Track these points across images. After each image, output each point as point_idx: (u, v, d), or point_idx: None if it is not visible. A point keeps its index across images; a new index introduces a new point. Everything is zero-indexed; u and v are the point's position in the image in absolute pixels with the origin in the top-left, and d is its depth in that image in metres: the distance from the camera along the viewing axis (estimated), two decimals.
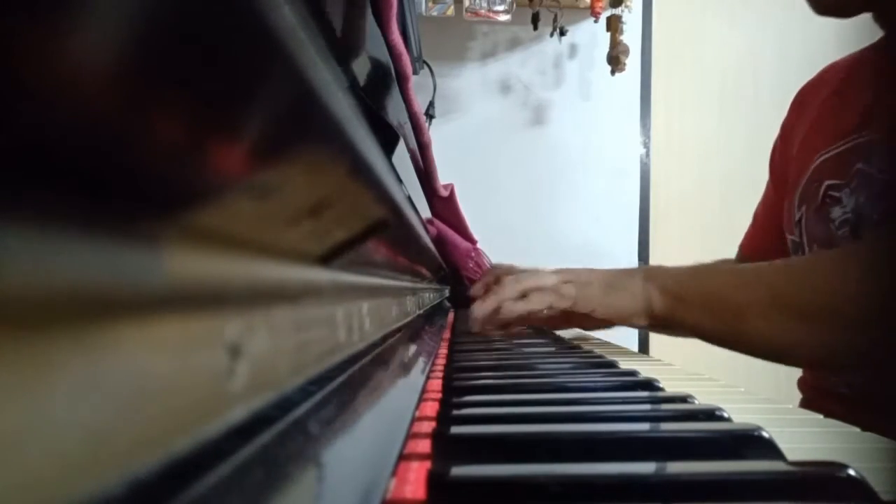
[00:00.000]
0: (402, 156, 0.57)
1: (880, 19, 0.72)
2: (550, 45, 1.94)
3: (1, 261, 0.08)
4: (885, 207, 0.66)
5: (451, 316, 1.15)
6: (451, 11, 1.76)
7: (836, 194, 0.71)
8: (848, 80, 0.78)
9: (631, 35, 1.89)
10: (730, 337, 0.65)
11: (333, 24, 0.24)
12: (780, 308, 0.59)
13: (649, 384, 0.41)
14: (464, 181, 1.44)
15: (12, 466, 0.08)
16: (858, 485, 0.21)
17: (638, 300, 0.66)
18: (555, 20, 1.83)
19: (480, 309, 0.70)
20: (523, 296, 0.69)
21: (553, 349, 0.64)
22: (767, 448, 0.26)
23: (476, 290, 0.77)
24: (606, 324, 0.74)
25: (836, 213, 0.71)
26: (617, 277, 0.67)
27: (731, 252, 1.01)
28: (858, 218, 0.68)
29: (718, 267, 0.70)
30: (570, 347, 0.66)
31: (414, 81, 0.65)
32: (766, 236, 0.90)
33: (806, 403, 0.78)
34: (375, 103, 0.34)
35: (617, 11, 1.82)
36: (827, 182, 0.72)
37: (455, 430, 0.28)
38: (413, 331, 0.62)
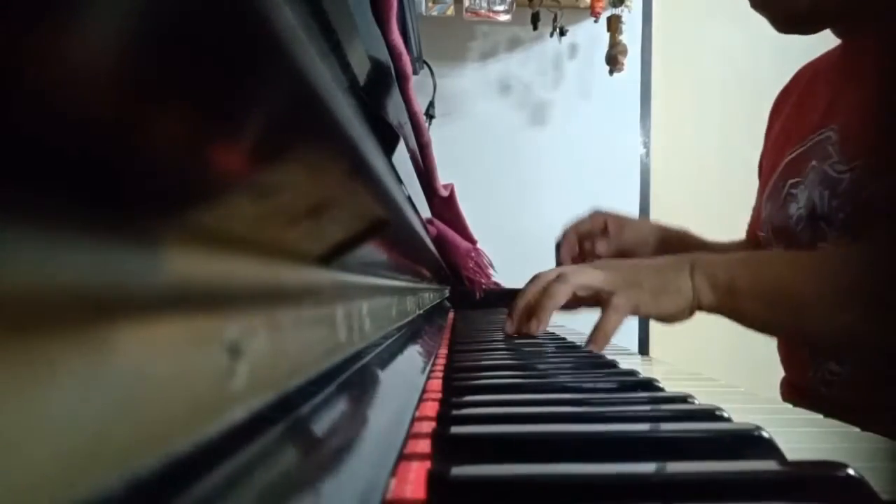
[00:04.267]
0: (402, 156, 0.57)
1: (836, 31, 0.75)
2: (550, 45, 1.94)
3: (1, 261, 0.08)
4: (839, 204, 0.67)
5: (451, 316, 1.15)
6: (451, 11, 1.77)
7: (794, 192, 0.74)
8: (813, 82, 0.81)
9: (631, 35, 1.89)
10: (790, 328, 0.64)
11: (333, 24, 0.24)
12: (845, 299, 0.58)
13: (649, 384, 0.41)
14: (464, 181, 1.44)
15: (12, 466, 0.08)
16: (858, 484, 0.21)
17: (687, 298, 0.62)
18: (555, 20, 1.83)
19: (537, 327, 0.66)
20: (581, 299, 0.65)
21: (553, 349, 0.64)
22: (767, 448, 0.26)
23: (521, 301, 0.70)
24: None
25: (793, 209, 0.74)
26: (665, 277, 0.63)
27: None
28: (810, 213, 0.70)
29: (771, 256, 0.68)
30: (570, 347, 0.66)
31: (414, 81, 0.65)
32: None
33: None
34: (375, 103, 0.34)
35: (617, 11, 1.82)
36: (790, 181, 0.76)
37: (455, 430, 0.28)
38: (413, 331, 0.62)
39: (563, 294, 0.63)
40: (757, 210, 0.95)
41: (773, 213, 0.79)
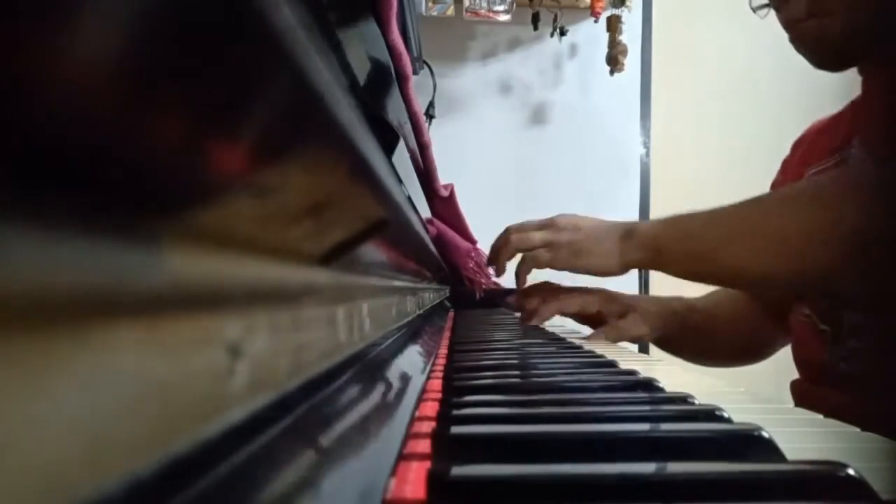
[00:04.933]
0: (402, 156, 0.57)
1: (861, 70, 0.78)
2: (550, 45, 1.94)
3: (1, 261, 0.08)
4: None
5: (451, 316, 1.15)
6: (451, 11, 1.76)
7: None
8: (838, 118, 0.85)
9: (631, 35, 1.89)
10: (707, 274, 0.73)
11: (333, 25, 0.24)
12: (754, 239, 0.65)
13: (649, 384, 0.41)
14: (464, 181, 1.44)
15: (12, 466, 0.08)
16: (858, 484, 0.21)
17: (611, 259, 0.75)
18: (555, 20, 1.83)
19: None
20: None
21: (553, 349, 0.64)
22: (767, 448, 0.26)
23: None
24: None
25: None
26: (590, 240, 0.76)
27: None
28: None
29: (694, 211, 0.75)
30: (570, 347, 0.66)
31: (414, 81, 0.65)
32: None
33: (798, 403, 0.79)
34: (375, 103, 0.34)
35: (617, 11, 1.82)
36: None
37: (455, 429, 0.28)
38: (413, 331, 0.62)
39: (507, 253, 0.83)
40: None
41: None
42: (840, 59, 0.74)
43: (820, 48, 0.75)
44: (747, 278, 0.71)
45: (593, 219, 0.81)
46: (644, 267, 0.78)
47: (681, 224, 0.72)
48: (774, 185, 0.94)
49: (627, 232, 0.75)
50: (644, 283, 1.93)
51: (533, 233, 0.80)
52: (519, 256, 0.85)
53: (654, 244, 0.73)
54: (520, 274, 0.85)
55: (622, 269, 0.76)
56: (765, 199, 0.70)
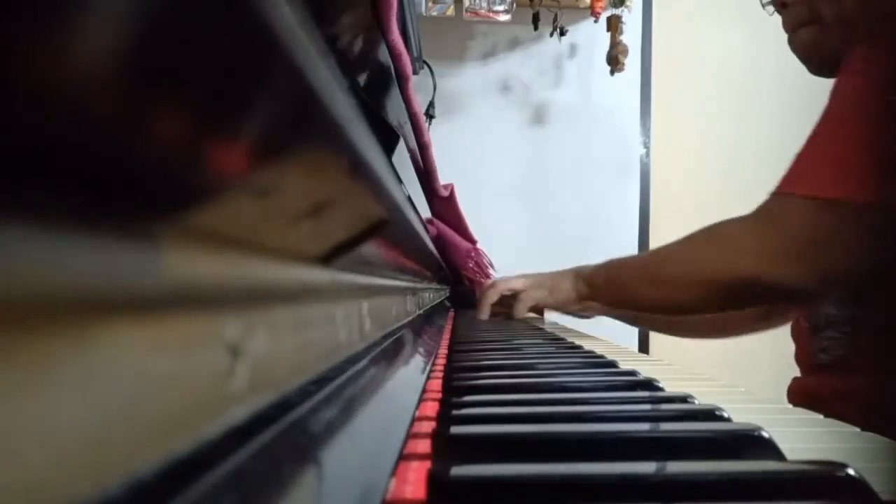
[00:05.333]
0: (402, 156, 0.57)
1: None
2: (550, 45, 1.94)
3: (1, 261, 0.08)
4: None
5: (451, 316, 1.15)
6: (451, 11, 1.76)
7: None
8: None
9: (631, 35, 1.89)
10: (627, 305, 0.96)
11: (334, 24, 0.24)
12: (649, 278, 0.84)
13: (649, 384, 0.41)
14: (464, 181, 1.44)
15: (12, 466, 0.08)
16: (858, 484, 0.21)
17: (570, 293, 0.96)
18: (555, 20, 1.83)
19: (480, 312, 1.06)
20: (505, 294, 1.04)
21: (553, 349, 0.64)
22: (767, 448, 0.26)
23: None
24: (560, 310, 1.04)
25: None
26: (556, 280, 0.98)
27: None
28: None
29: (624, 257, 0.95)
30: (570, 347, 0.66)
31: (414, 81, 0.65)
32: None
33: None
34: (375, 103, 0.34)
35: (617, 11, 1.82)
36: None
37: (455, 430, 0.28)
38: (413, 331, 0.62)
39: (494, 294, 1.04)
40: None
41: None
42: (832, 67, 0.76)
43: (815, 56, 0.78)
44: (660, 310, 0.93)
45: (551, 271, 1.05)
46: (590, 300, 0.96)
47: (611, 270, 0.92)
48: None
49: (577, 273, 0.96)
50: None
51: (516, 281, 1.03)
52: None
53: (592, 282, 0.93)
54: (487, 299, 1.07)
55: (579, 301, 0.96)
56: (671, 245, 0.84)
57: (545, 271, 1.04)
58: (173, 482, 0.12)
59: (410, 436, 0.28)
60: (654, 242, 1.99)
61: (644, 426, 0.31)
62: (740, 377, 0.71)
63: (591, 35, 1.93)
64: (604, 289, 0.91)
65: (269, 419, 0.18)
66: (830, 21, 0.73)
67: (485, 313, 1.05)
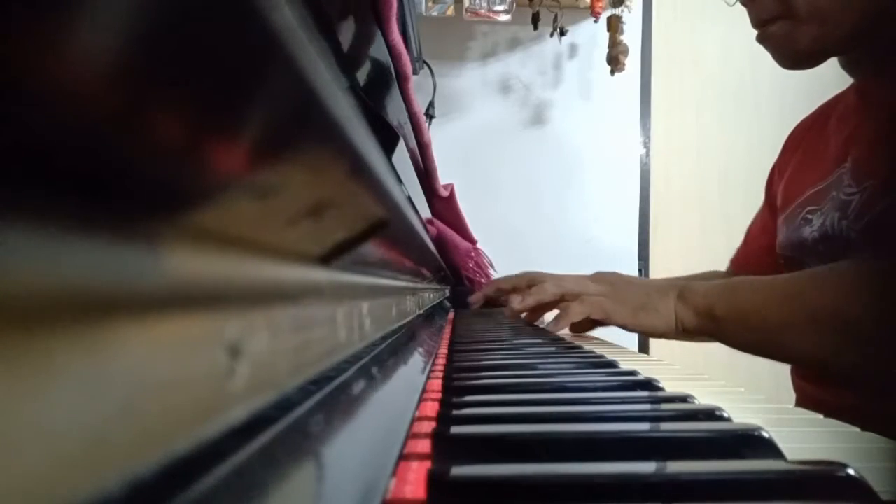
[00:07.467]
0: (402, 156, 0.57)
1: (847, 67, 0.78)
2: (550, 45, 1.94)
3: (1, 261, 0.08)
4: (849, 224, 0.69)
5: (451, 316, 1.15)
6: (451, 11, 1.76)
7: (810, 217, 0.78)
8: (829, 123, 0.84)
9: (631, 35, 1.89)
10: (769, 351, 0.69)
11: (334, 25, 0.24)
12: (819, 323, 0.61)
13: (649, 384, 0.41)
14: (464, 181, 1.44)
15: (12, 466, 0.08)
16: (858, 484, 0.21)
17: (668, 320, 0.73)
18: (555, 20, 1.83)
19: (521, 304, 0.83)
20: (562, 299, 0.79)
21: (553, 349, 0.64)
22: (767, 448, 0.26)
23: (504, 283, 0.91)
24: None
25: (806, 232, 0.77)
26: (650, 297, 0.74)
27: (729, 253, 1.01)
28: (822, 235, 0.74)
29: (746, 282, 0.71)
30: (570, 347, 0.66)
31: (414, 81, 0.65)
32: (758, 254, 0.95)
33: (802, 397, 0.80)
34: (375, 103, 0.34)
35: (617, 11, 1.82)
36: (808, 208, 0.80)
37: (455, 429, 0.28)
38: (413, 331, 0.62)
39: (548, 294, 0.80)
40: (749, 238, 0.98)
41: (788, 236, 0.82)
42: (806, 61, 0.74)
43: (788, 50, 0.75)
44: (814, 363, 0.69)
45: (634, 277, 0.82)
46: (700, 334, 0.72)
47: (737, 296, 0.68)
48: (770, 182, 0.95)
49: (680, 293, 0.73)
50: None
51: (585, 283, 0.79)
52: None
53: (706, 311, 0.70)
54: (561, 317, 0.80)
55: (676, 332, 0.74)
56: (818, 276, 0.65)
57: (610, 273, 0.80)
58: (173, 482, 0.12)
59: (410, 436, 0.28)
60: (654, 243, 1.99)
61: (644, 426, 0.31)
62: (740, 377, 0.71)
63: (591, 35, 1.93)
64: (727, 323, 0.68)
65: (269, 419, 0.18)
66: (805, 15, 0.70)
67: (518, 309, 0.82)
